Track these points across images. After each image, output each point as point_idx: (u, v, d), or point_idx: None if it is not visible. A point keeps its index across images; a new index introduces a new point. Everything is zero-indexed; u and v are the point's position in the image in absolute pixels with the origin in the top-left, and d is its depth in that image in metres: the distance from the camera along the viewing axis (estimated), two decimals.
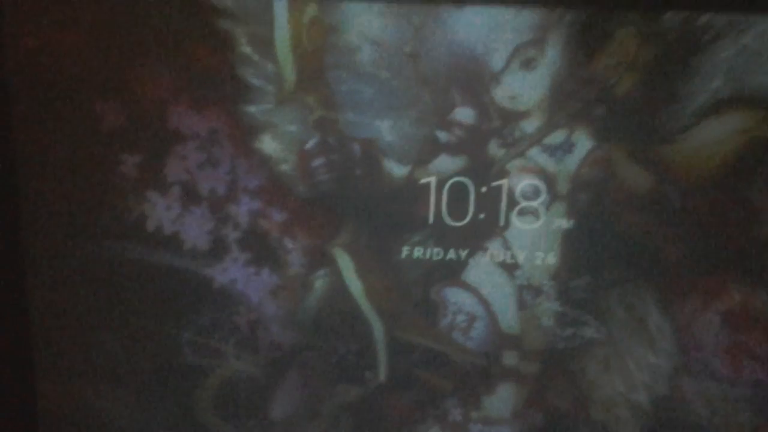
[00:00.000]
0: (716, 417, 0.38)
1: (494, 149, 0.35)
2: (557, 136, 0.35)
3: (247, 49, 0.33)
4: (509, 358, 0.38)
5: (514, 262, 0.37)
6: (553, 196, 0.36)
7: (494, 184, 0.35)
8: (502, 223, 0.36)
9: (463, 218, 0.36)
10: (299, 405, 0.38)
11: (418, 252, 0.36)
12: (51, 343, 0.36)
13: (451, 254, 0.36)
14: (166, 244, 0.35)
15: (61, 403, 0.37)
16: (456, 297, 0.37)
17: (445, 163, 0.35)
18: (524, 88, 0.34)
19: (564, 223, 0.36)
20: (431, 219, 0.36)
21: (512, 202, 0.36)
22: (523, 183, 0.35)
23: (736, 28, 0.33)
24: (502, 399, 0.38)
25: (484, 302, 0.37)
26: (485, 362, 0.37)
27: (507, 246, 0.36)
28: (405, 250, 0.36)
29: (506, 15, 0.33)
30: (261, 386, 0.37)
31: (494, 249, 0.36)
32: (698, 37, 0.33)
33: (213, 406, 0.37)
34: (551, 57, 0.34)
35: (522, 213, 0.36)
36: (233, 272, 0.36)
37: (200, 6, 0.33)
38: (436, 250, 0.36)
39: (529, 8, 0.33)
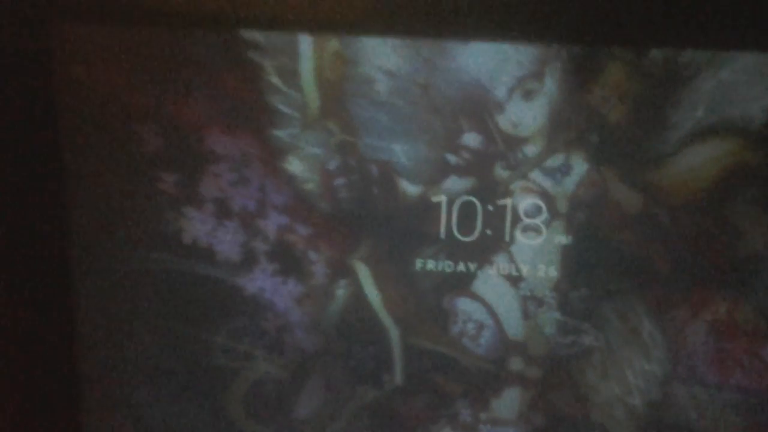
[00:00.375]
0: (704, 419, 0.40)
1: (499, 171, 0.37)
2: (556, 160, 0.37)
3: (275, 79, 0.36)
4: (515, 364, 0.40)
5: (518, 274, 0.38)
6: (553, 215, 0.38)
7: (500, 202, 0.37)
8: (507, 238, 0.38)
9: (472, 234, 0.38)
10: (321, 405, 0.39)
11: (430, 264, 0.38)
12: (95, 345, 0.38)
13: (461, 267, 0.38)
14: (200, 256, 0.37)
15: (103, 403, 0.39)
16: (466, 306, 0.39)
17: (454, 183, 0.37)
18: (526, 116, 0.36)
19: (563, 239, 0.38)
20: (443, 234, 0.38)
21: (516, 220, 0.38)
22: (525, 202, 0.38)
23: (715, 63, 0.36)
24: (508, 401, 0.40)
25: (491, 311, 0.39)
26: (493, 367, 0.40)
27: (512, 260, 0.38)
28: (419, 263, 0.38)
29: (509, 50, 0.36)
30: (286, 387, 0.39)
31: (500, 262, 0.38)
32: (681, 72, 0.36)
33: (242, 405, 0.39)
34: (549, 88, 0.36)
35: (525, 230, 0.38)
36: (262, 282, 0.38)
37: (233, 40, 0.35)
38: (447, 263, 0.38)
39: (529, 44, 0.36)
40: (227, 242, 0.38)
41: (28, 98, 0.36)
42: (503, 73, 0.36)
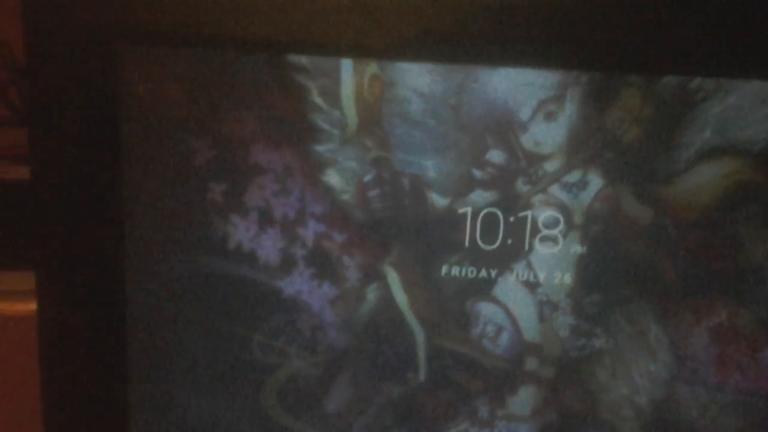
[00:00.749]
0: (705, 418, 0.43)
1: (521, 186, 0.40)
2: (573, 176, 0.40)
3: (317, 99, 0.39)
4: (530, 364, 0.42)
5: (536, 281, 0.41)
6: (570, 226, 0.40)
7: (520, 214, 0.40)
8: (526, 248, 0.41)
9: (494, 243, 0.40)
10: (351, 400, 0.42)
11: (455, 271, 0.41)
12: (143, 343, 0.41)
13: (483, 273, 0.41)
14: (244, 260, 0.40)
15: (151, 399, 0.42)
16: (486, 310, 0.41)
17: (479, 196, 0.40)
18: (546, 136, 0.39)
19: (578, 249, 0.41)
20: (467, 243, 0.40)
21: (535, 230, 0.40)
22: (544, 214, 0.40)
23: (722, 90, 0.38)
24: (523, 399, 0.43)
25: (510, 315, 0.42)
26: (510, 367, 0.43)
27: (530, 267, 0.41)
28: (444, 269, 0.41)
29: (532, 75, 0.38)
30: (318, 383, 0.42)
31: (519, 270, 0.41)
32: (690, 97, 0.39)
33: (277, 398, 0.42)
34: (569, 110, 0.39)
35: (543, 240, 0.41)
36: (299, 284, 0.41)
37: (281, 64, 0.38)
38: (470, 269, 0.41)
39: (551, 70, 0.39)
40: (268, 247, 0.41)
41: (94, 111, 0.39)
42: (527, 96, 0.39)
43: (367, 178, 0.40)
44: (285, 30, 0.38)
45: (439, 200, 0.40)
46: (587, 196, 0.40)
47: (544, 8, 0.38)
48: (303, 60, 0.38)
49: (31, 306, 0.49)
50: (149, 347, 0.41)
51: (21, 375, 0.49)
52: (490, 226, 0.41)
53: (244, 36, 0.38)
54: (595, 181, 0.40)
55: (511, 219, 0.41)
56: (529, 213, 0.41)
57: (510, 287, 0.42)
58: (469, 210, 0.40)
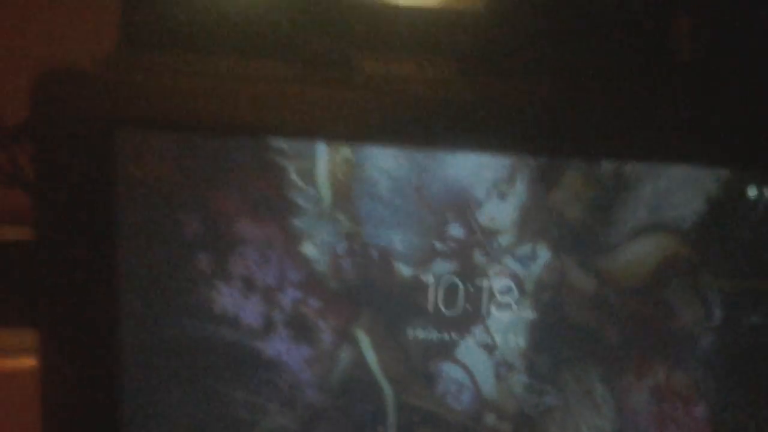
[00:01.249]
0: None
1: (478, 257, 0.44)
2: (525, 249, 0.44)
3: (295, 178, 0.43)
4: (489, 419, 0.46)
5: (493, 343, 0.45)
6: (522, 294, 0.45)
7: (478, 283, 0.44)
8: (483, 313, 0.45)
9: (455, 308, 0.45)
10: None
11: (420, 333, 0.45)
12: (136, 398, 0.44)
13: (446, 336, 0.45)
14: (228, 323, 0.44)
15: None
16: (449, 370, 0.45)
17: (441, 266, 0.44)
18: (500, 213, 0.44)
19: (530, 315, 0.45)
20: (430, 308, 0.44)
21: (491, 297, 0.45)
22: (500, 283, 0.44)
23: (653, 174, 0.43)
24: None
25: (470, 374, 0.45)
26: (471, 423, 0.47)
27: (488, 331, 0.45)
28: (410, 332, 0.45)
29: (487, 159, 0.43)
30: None
31: (478, 333, 0.45)
32: (626, 179, 0.43)
33: None
34: (519, 190, 0.43)
35: (499, 306, 0.45)
36: (278, 346, 0.44)
37: (261, 146, 0.42)
38: (434, 332, 0.45)
39: (503, 155, 0.43)
40: (250, 312, 0.44)
41: (94, 186, 0.43)
42: (482, 177, 0.44)
43: (340, 249, 0.44)
44: (266, 116, 0.43)
45: (404, 269, 0.45)
46: (537, 266, 0.45)
47: (494, 102, 0.43)
48: (282, 143, 0.43)
49: (24, 363, 0.53)
50: (142, 402, 0.45)
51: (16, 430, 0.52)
52: (451, 293, 0.45)
53: (230, 122, 0.43)
54: (544, 253, 0.45)
55: (470, 287, 0.45)
56: (485, 281, 0.45)
57: (470, 349, 0.46)
58: (431, 278, 0.45)
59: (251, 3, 0.47)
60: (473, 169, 0.44)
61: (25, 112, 0.64)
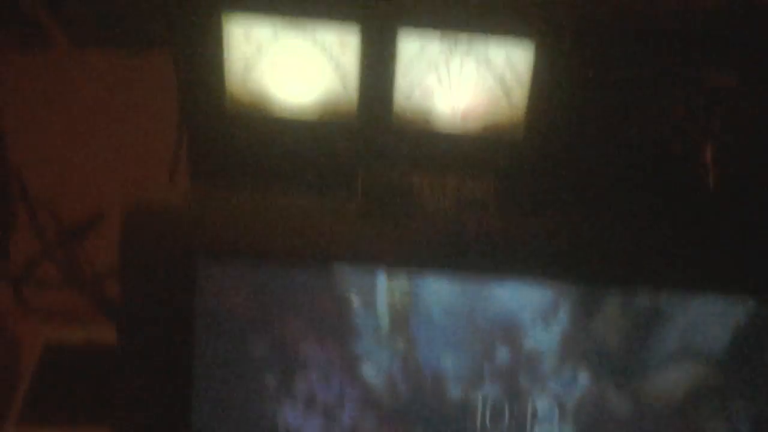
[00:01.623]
0: None
1: (523, 380, 0.48)
2: (566, 374, 0.48)
3: (359, 309, 0.48)
4: None
5: None
6: (563, 415, 0.48)
7: (522, 404, 0.48)
8: None
9: (501, 427, 0.49)
10: None
11: None
12: None
13: None
14: None
15: None
16: None
17: (489, 388, 0.48)
18: (544, 339, 0.48)
19: None
20: (478, 427, 0.48)
21: (534, 418, 0.48)
22: (542, 404, 0.48)
23: (685, 304, 0.47)
24: None
25: None
26: None
27: None
28: None
29: (532, 288, 0.47)
30: None
31: None
32: (661, 311, 0.47)
33: None
34: (562, 318, 0.47)
35: (542, 426, 0.48)
36: None
37: (328, 276, 0.47)
38: None
39: (547, 286, 0.48)
40: (312, 427, 0.48)
41: (174, 310, 0.47)
42: (528, 305, 0.48)
43: (396, 371, 0.48)
44: (332, 248, 0.47)
45: (455, 390, 0.48)
46: (578, 390, 0.49)
47: (540, 236, 0.47)
48: (346, 274, 0.47)
49: None
50: None
51: None
52: (497, 414, 0.49)
53: (299, 252, 0.47)
54: (584, 379, 0.49)
55: (515, 408, 0.48)
56: (530, 403, 0.49)
57: None
58: (479, 399, 0.48)
59: (311, 137, 0.51)
60: (520, 298, 0.48)
61: (81, 212, 0.69)
